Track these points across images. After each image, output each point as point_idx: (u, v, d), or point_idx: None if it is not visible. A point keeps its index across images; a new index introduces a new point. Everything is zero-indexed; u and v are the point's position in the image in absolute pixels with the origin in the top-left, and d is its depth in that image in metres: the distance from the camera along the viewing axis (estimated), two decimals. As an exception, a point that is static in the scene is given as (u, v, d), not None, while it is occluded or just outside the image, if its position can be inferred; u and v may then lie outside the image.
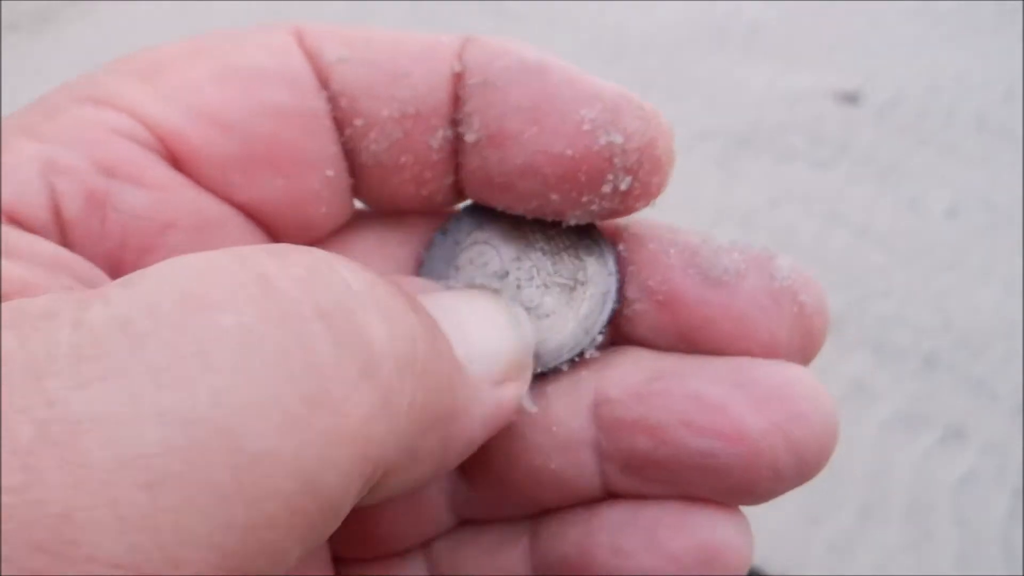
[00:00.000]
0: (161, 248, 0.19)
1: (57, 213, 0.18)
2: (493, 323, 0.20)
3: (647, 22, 1.67)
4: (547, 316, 0.22)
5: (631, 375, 0.21)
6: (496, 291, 0.21)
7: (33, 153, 0.18)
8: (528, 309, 0.22)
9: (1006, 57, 1.53)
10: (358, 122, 0.21)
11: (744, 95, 1.47)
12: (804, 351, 0.21)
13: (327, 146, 0.21)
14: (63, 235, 0.19)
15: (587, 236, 0.23)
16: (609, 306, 0.22)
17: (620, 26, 1.66)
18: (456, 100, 0.21)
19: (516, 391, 0.20)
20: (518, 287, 0.22)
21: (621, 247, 0.23)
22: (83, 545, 0.11)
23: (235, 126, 0.20)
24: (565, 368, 0.22)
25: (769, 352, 0.21)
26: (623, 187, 0.21)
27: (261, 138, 0.20)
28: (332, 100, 0.21)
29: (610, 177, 0.20)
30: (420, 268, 0.23)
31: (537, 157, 0.20)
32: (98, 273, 0.19)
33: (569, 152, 0.20)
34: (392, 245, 0.23)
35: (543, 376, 0.22)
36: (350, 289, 0.15)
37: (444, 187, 0.22)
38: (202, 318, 0.13)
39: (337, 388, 0.14)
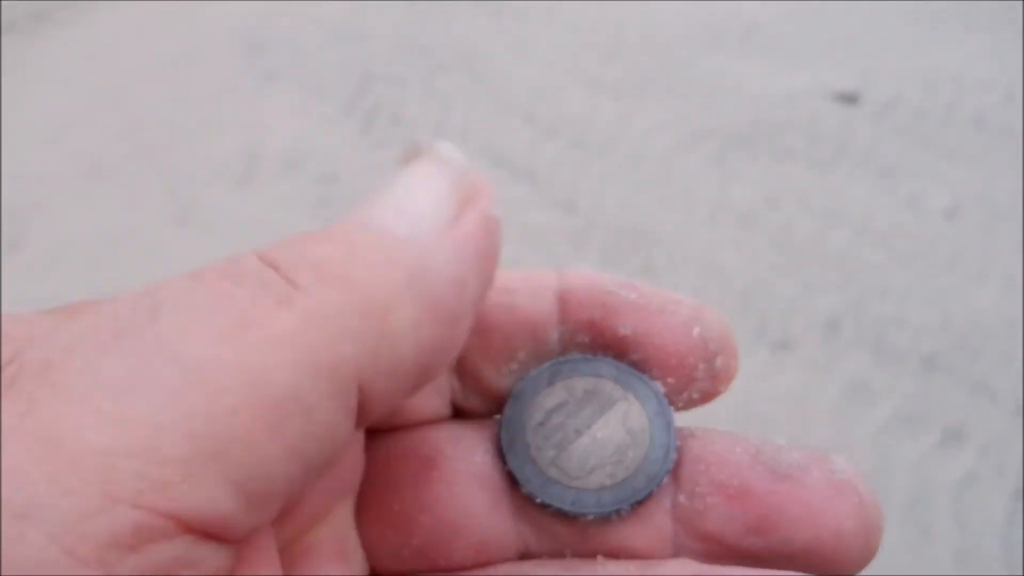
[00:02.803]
0: None
1: None
2: (419, 178, 0.21)
3: (645, 21, 1.66)
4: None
5: None
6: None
7: None
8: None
9: (1005, 57, 1.53)
10: (475, 332, 0.23)
11: (742, 94, 1.47)
12: (867, 540, 0.23)
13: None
14: None
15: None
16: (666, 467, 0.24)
17: (618, 25, 1.65)
18: (564, 313, 0.25)
19: (480, 211, 0.21)
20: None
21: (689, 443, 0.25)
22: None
23: None
24: (615, 517, 0.23)
25: (836, 539, 0.22)
26: (717, 365, 0.24)
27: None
28: None
29: (702, 365, 0.24)
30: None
31: (648, 350, 0.24)
32: None
33: (672, 343, 0.24)
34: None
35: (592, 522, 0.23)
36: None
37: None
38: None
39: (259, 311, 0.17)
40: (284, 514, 0.21)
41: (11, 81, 1.47)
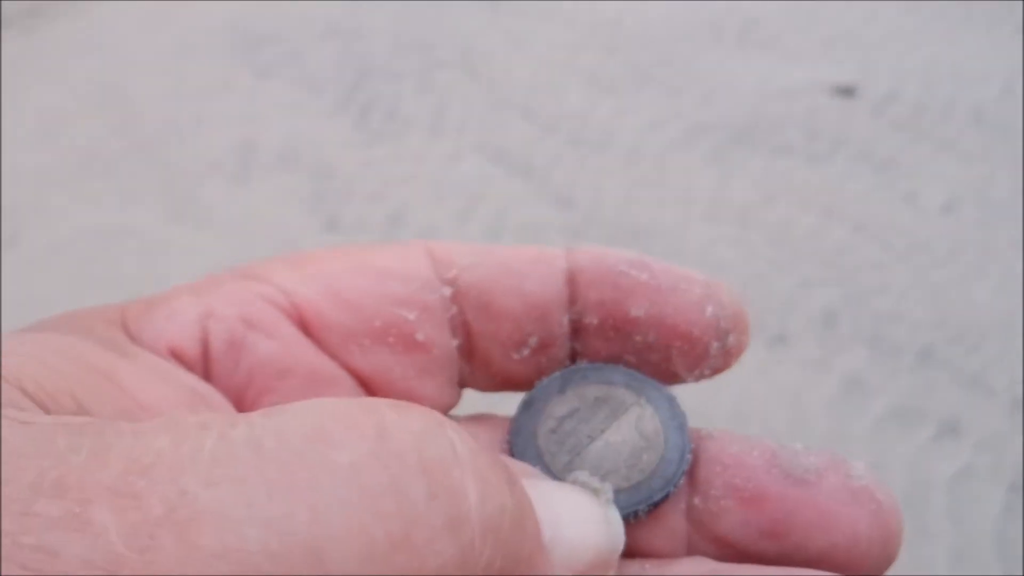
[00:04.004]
0: (277, 391, 0.24)
1: (206, 350, 0.23)
2: (586, 517, 0.21)
3: (643, 16, 1.66)
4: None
5: None
6: (596, 490, 0.22)
7: (194, 304, 0.23)
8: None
9: (1003, 51, 1.53)
10: (489, 309, 0.24)
11: (740, 90, 1.47)
12: (884, 546, 0.23)
13: (442, 334, 0.25)
14: (207, 367, 0.23)
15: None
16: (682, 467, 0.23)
17: (616, 20, 1.65)
18: (574, 294, 0.25)
19: None
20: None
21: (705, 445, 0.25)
22: None
23: (360, 307, 0.24)
24: (632, 519, 0.23)
25: (851, 545, 0.22)
26: (729, 343, 0.24)
27: (381, 318, 0.24)
28: (458, 297, 0.24)
29: (716, 343, 0.24)
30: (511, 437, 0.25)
31: (661, 332, 0.24)
32: (227, 405, 0.23)
33: (685, 324, 0.24)
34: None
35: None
36: (454, 450, 0.17)
37: (561, 360, 0.26)
38: (320, 450, 0.16)
39: (421, 534, 0.16)
40: None
41: (6, 77, 1.46)
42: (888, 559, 0.23)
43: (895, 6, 1.66)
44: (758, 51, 1.57)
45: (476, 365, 0.25)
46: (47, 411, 0.17)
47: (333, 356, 0.24)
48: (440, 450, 0.17)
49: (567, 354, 0.25)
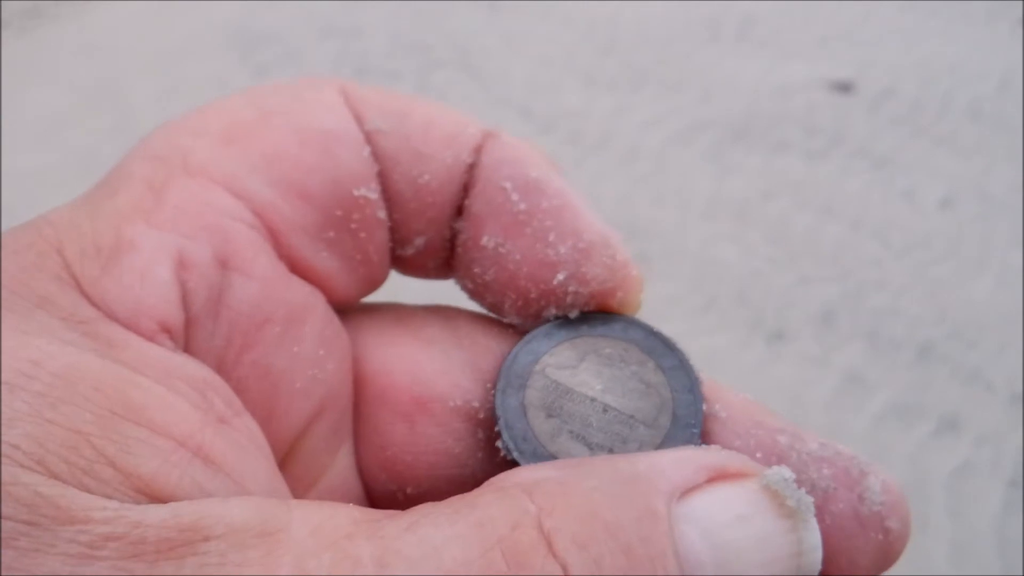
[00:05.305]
0: (257, 344, 0.21)
1: (188, 315, 0.20)
2: (770, 556, 0.18)
3: (640, 15, 1.66)
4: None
5: None
6: (791, 513, 0.18)
7: (161, 246, 0.19)
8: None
9: (1000, 47, 1.53)
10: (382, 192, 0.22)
11: (737, 87, 1.47)
12: (879, 570, 0.20)
13: (380, 211, 0.22)
14: (188, 335, 0.20)
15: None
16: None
17: (613, 19, 1.65)
18: (465, 189, 0.22)
19: None
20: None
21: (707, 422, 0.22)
22: None
23: (317, 194, 0.21)
24: None
25: (847, 570, 0.20)
26: (572, 317, 0.22)
27: (339, 203, 0.21)
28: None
29: (558, 310, 0.22)
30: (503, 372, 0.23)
31: (500, 274, 0.22)
32: (232, 397, 0.20)
33: (526, 281, 0.22)
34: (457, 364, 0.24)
35: None
36: None
37: (442, 265, 0.24)
38: None
39: None
40: (287, 457, 0.21)
41: (6, 77, 1.46)
42: (882, 572, 0.21)
43: (892, 3, 1.67)
44: (755, 48, 1.57)
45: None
46: (89, 491, 0.15)
47: (301, 265, 0.22)
48: None
49: (449, 260, 0.23)
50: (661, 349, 0.22)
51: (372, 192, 0.22)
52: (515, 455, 0.21)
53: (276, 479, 0.19)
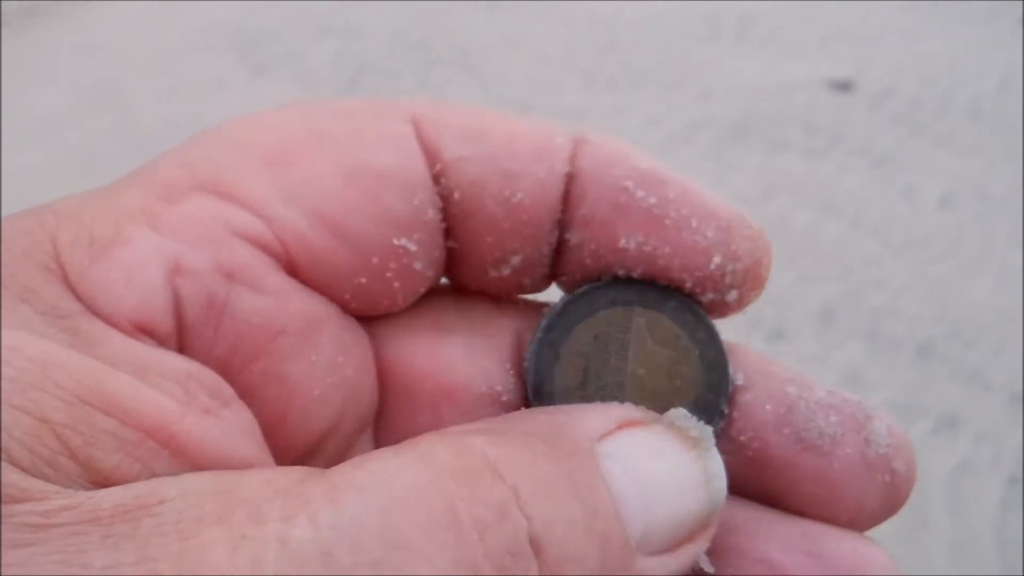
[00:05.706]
0: (269, 355, 0.20)
1: (179, 318, 0.19)
2: (684, 483, 0.19)
3: (640, 14, 1.66)
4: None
5: None
6: (695, 440, 0.20)
7: (155, 249, 0.19)
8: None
9: (1000, 46, 1.53)
10: (471, 220, 0.21)
11: (737, 86, 1.47)
12: (889, 512, 0.21)
13: (434, 250, 0.21)
14: (180, 339, 0.19)
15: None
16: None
17: (613, 18, 1.65)
18: (566, 203, 0.21)
19: (694, 552, 0.19)
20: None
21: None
22: None
23: (356, 237, 0.20)
24: None
25: (853, 519, 0.21)
26: (728, 299, 0.22)
27: (377, 249, 0.20)
28: (444, 195, 0.21)
29: (712, 295, 0.21)
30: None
31: (654, 269, 0.21)
32: (218, 379, 0.19)
33: (679, 271, 0.21)
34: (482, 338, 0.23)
35: None
36: (522, 542, 0.16)
37: (540, 279, 0.23)
38: (398, 561, 0.15)
39: None
40: (309, 453, 0.21)
41: (5, 77, 1.46)
42: (888, 517, 0.21)
43: (892, 1, 1.66)
44: (755, 47, 1.57)
45: (449, 276, 0.23)
46: (47, 480, 0.15)
47: (322, 293, 0.21)
48: (512, 544, 0.16)
49: (548, 273, 0.22)
50: (693, 323, 0.22)
51: (412, 244, 0.21)
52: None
53: (268, 464, 0.19)
